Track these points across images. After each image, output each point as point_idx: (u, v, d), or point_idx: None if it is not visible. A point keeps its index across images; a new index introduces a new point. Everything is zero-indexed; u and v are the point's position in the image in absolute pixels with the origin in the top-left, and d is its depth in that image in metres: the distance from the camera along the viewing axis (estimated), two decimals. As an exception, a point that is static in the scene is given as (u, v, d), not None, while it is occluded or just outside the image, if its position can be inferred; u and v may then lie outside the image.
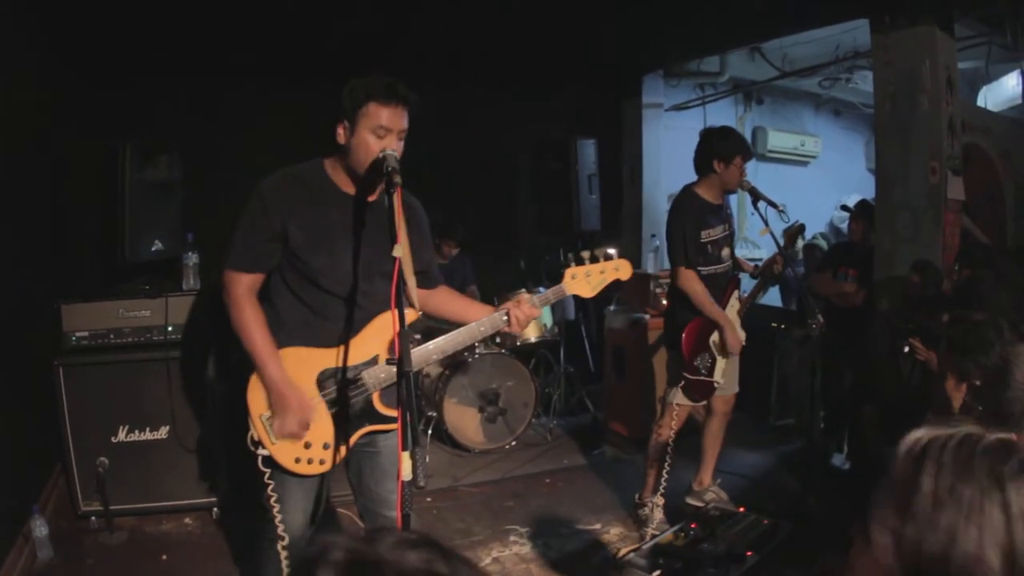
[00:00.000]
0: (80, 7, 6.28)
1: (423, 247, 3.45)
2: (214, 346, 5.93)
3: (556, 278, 3.96)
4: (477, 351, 7.75)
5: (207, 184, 7.05)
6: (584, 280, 3.84)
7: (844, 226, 10.53)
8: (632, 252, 10.08)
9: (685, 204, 5.80)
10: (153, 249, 6.45)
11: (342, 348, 3.66)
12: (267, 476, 3.65)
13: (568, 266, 3.85)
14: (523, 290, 7.63)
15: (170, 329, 6.07)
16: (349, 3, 6.86)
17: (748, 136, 10.42)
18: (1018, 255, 7.17)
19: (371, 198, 3.69)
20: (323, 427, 3.65)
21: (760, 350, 7.13)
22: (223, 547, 5.65)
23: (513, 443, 7.97)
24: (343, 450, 3.71)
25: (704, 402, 6.04)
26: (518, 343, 8.04)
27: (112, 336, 5.99)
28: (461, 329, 3.74)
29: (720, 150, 5.67)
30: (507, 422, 7.94)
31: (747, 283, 6.21)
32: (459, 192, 8.84)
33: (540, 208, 9.51)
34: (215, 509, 6.06)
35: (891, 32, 6.54)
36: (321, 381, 3.64)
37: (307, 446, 3.62)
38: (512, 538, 5.93)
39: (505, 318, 3.71)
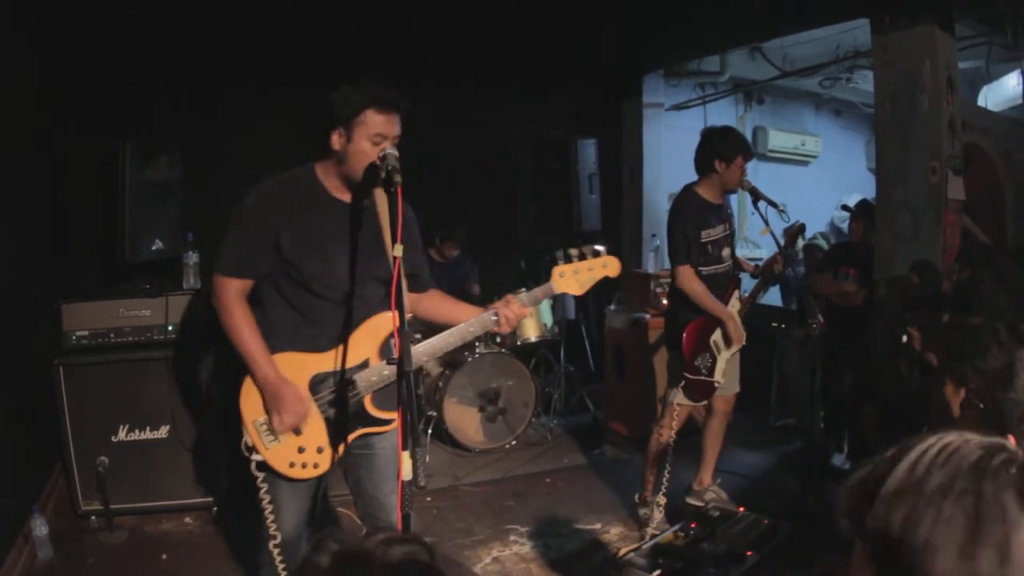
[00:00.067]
0: (80, 7, 6.28)
1: (413, 250, 3.47)
2: (212, 346, 5.94)
3: (555, 277, 3.95)
4: (477, 350, 7.76)
5: (207, 184, 7.05)
6: (573, 278, 3.84)
7: (844, 226, 10.53)
8: (632, 252, 10.10)
9: (685, 204, 5.80)
10: (153, 248, 6.46)
11: (333, 352, 3.68)
12: (260, 480, 3.68)
13: (557, 264, 3.85)
14: (523, 290, 7.63)
15: (170, 328, 6.08)
16: (349, 3, 6.86)
17: (748, 136, 10.42)
18: (1018, 255, 7.17)
19: (361, 202, 3.70)
20: (316, 431, 3.67)
21: (760, 350, 7.13)
22: (223, 547, 5.65)
23: (513, 443, 7.97)
24: (337, 453, 3.73)
25: (704, 402, 6.04)
26: (518, 342, 8.05)
27: (112, 335, 5.99)
28: (451, 330, 3.75)
29: (721, 150, 5.67)
30: (507, 422, 7.94)
31: (747, 283, 6.21)
32: (459, 192, 8.85)
33: (540, 208, 9.51)
34: (215, 508, 6.06)
35: (891, 32, 6.54)
36: (313, 385, 3.66)
37: (301, 450, 3.65)
38: (512, 537, 5.93)
39: (494, 318, 3.72)
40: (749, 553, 5.19)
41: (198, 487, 6.09)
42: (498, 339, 8.00)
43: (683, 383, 5.73)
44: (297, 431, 3.61)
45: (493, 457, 7.75)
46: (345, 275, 3.65)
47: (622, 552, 5.34)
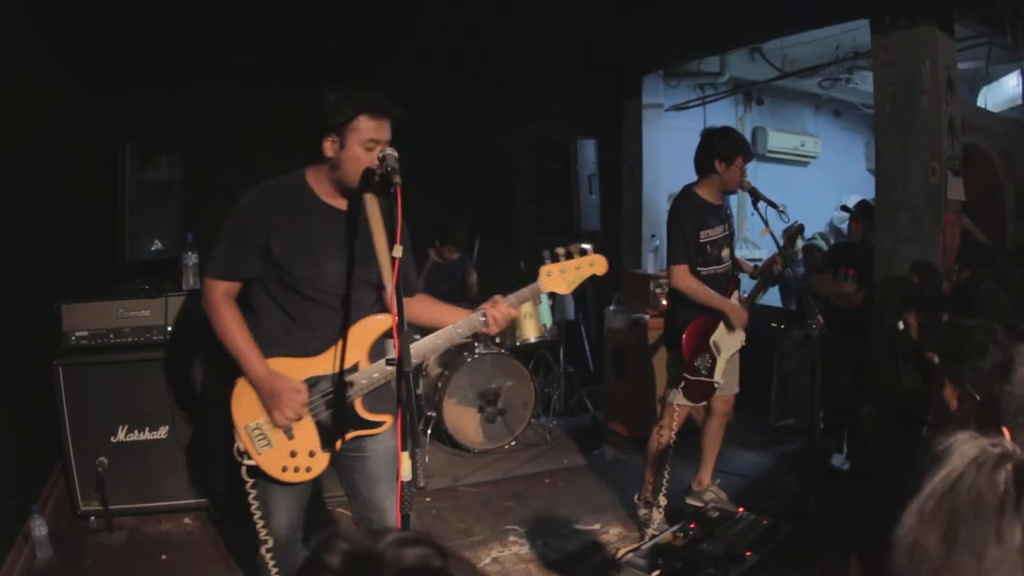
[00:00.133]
0: (80, 7, 6.28)
1: (403, 255, 3.48)
2: (211, 346, 5.95)
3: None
4: (477, 351, 7.76)
5: (207, 184, 7.04)
6: (560, 277, 3.85)
7: (844, 226, 10.53)
8: (632, 252, 10.11)
9: (685, 204, 5.80)
10: (153, 249, 6.46)
11: (324, 356, 3.71)
12: (251, 485, 3.72)
13: (544, 263, 3.85)
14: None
15: (170, 329, 6.08)
16: (349, 3, 6.86)
17: (748, 136, 10.39)
18: (1018, 255, 7.17)
19: (350, 208, 3.75)
20: (308, 435, 3.69)
21: (760, 350, 7.14)
22: (222, 547, 5.65)
23: (513, 443, 7.98)
24: (329, 457, 3.76)
25: (704, 403, 6.04)
26: (518, 343, 8.05)
27: (112, 336, 5.99)
28: (439, 332, 3.78)
29: (721, 150, 5.68)
30: (507, 422, 7.94)
31: (747, 283, 6.22)
32: (459, 192, 8.85)
33: (540, 208, 9.51)
34: (214, 509, 6.06)
35: (891, 32, 6.54)
36: None
37: (293, 455, 3.68)
38: (512, 538, 5.93)
39: (483, 319, 3.74)
40: (748, 553, 5.19)
41: (197, 487, 6.09)
42: (497, 339, 8.01)
43: (683, 384, 5.73)
44: (289, 435, 3.64)
45: (492, 458, 7.75)
46: (336, 279, 3.69)
47: (621, 552, 5.34)
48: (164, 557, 5.55)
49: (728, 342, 5.84)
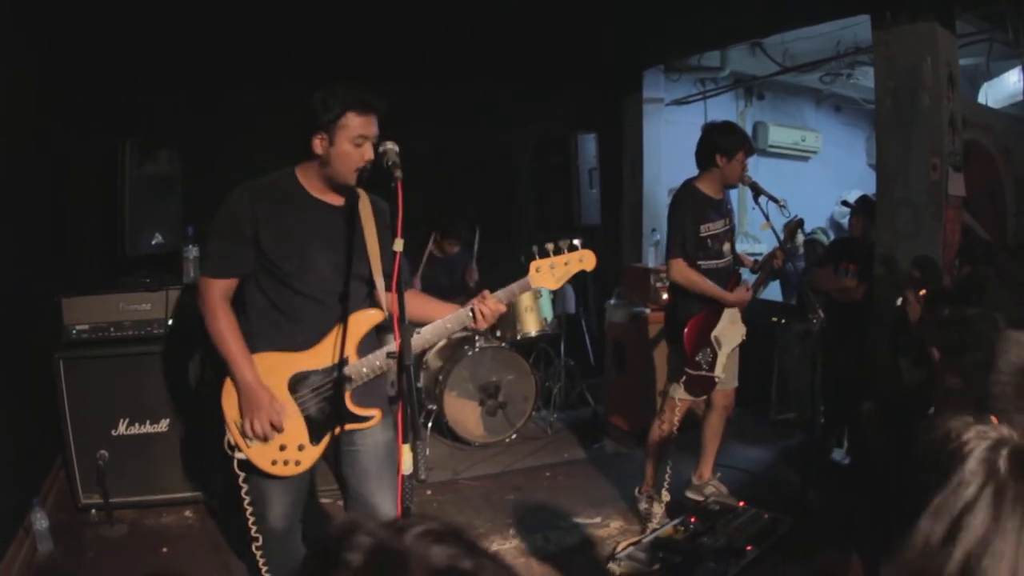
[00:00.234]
0: (80, 7, 6.29)
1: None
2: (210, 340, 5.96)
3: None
4: (478, 344, 7.77)
5: (207, 178, 7.04)
6: (549, 272, 3.86)
7: (844, 221, 10.53)
8: (633, 246, 10.11)
9: (685, 198, 5.80)
10: (153, 243, 6.47)
11: (314, 350, 3.74)
12: (243, 479, 3.76)
13: (533, 259, 3.86)
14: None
15: (170, 323, 6.08)
16: (350, 2, 6.86)
17: (749, 131, 10.43)
18: (1018, 251, 7.17)
19: (341, 203, 3.80)
20: (297, 429, 3.72)
21: (761, 345, 7.14)
22: (223, 540, 5.66)
23: (513, 436, 7.99)
24: (318, 451, 3.80)
25: (704, 397, 6.04)
26: (519, 337, 8.06)
27: (112, 329, 6.00)
28: (428, 327, 3.80)
29: (723, 145, 5.68)
30: (507, 415, 7.96)
31: (747, 278, 6.22)
32: (460, 187, 8.85)
33: (541, 203, 9.52)
34: (214, 502, 6.07)
35: (892, 28, 6.54)
36: (293, 384, 3.73)
37: (282, 448, 3.71)
38: (512, 531, 5.94)
39: (470, 315, 3.76)
40: (749, 547, 5.21)
41: (198, 481, 6.10)
42: (498, 333, 8.02)
43: (684, 378, 5.73)
44: (278, 429, 3.66)
45: (493, 451, 7.76)
46: (325, 274, 3.74)
47: (622, 546, 5.36)
48: (165, 550, 5.56)
49: (729, 336, 5.84)
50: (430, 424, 7.86)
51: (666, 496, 5.79)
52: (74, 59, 6.94)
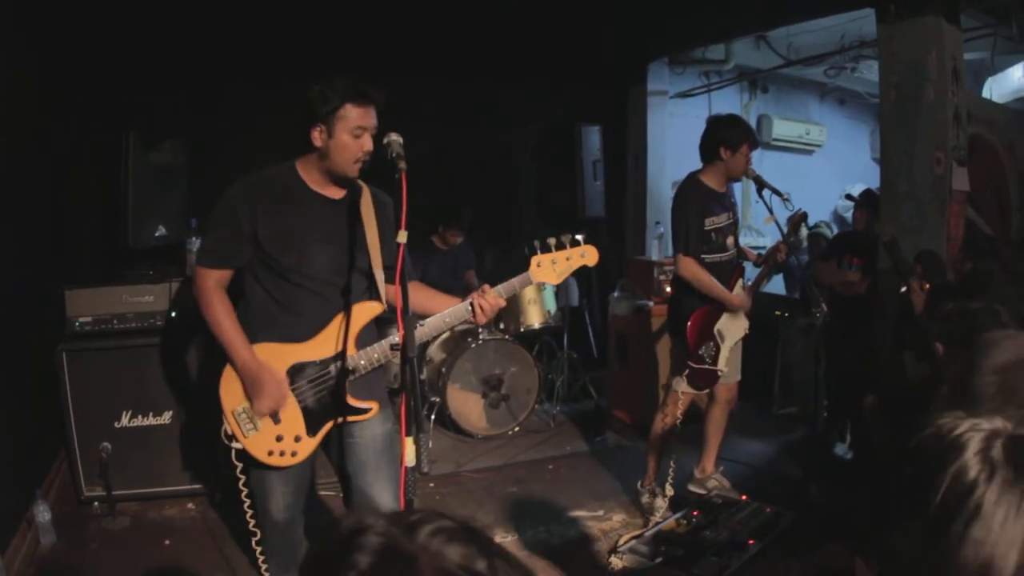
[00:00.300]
0: (81, 6, 6.30)
1: (394, 242, 3.50)
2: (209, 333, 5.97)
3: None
4: (481, 336, 7.77)
5: (210, 170, 7.05)
6: (550, 267, 3.86)
7: (848, 215, 10.51)
8: (636, 239, 10.10)
9: (689, 192, 5.80)
10: (156, 235, 6.48)
11: (312, 342, 3.76)
12: (240, 470, 3.78)
13: (535, 253, 3.87)
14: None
15: (173, 315, 6.08)
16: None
17: (753, 124, 10.39)
18: (1022, 246, 7.16)
19: (341, 196, 3.82)
20: (294, 420, 3.75)
21: (764, 338, 7.14)
22: (225, 532, 5.66)
23: (516, 429, 7.99)
24: (315, 442, 3.82)
25: (707, 390, 6.04)
26: (522, 329, 8.06)
27: (116, 321, 6.00)
28: (428, 320, 3.81)
29: (727, 138, 5.67)
30: (510, 408, 7.96)
31: (751, 271, 6.22)
32: (463, 182, 8.84)
33: (545, 195, 9.55)
34: (218, 494, 6.07)
35: (897, 22, 6.52)
36: (291, 375, 3.75)
37: (279, 439, 3.73)
38: (514, 524, 5.94)
39: (469, 308, 3.78)
40: (751, 541, 5.21)
41: (201, 473, 6.10)
42: (501, 325, 8.02)
43: (686, 371, 5.73)
44: (275, 420, 3.70)
45: (496, 443, 7.76)
46: (325, 268, 3.76)
47: (624, 539, 5.36)
48: (167, 542, 5.56)
49: (732, 330, 5.84)
50: (433, 416, 7.86)
51: (669, 491, 5.80)
52: (75, 58, 6.94)
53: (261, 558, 3.98)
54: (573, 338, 8.95)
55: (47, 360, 5.79)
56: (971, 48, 7.60)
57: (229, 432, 3.71)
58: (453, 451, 7.53)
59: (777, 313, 8.38)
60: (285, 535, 4.04)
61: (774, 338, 8.36)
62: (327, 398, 3.76)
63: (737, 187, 6.56)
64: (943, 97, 6.32)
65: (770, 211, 5.67)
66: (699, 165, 5.88)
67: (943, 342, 3.93)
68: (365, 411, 3.81)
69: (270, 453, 3.72)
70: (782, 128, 11.27)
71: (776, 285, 9.70)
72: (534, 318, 8.08)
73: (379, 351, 3.73)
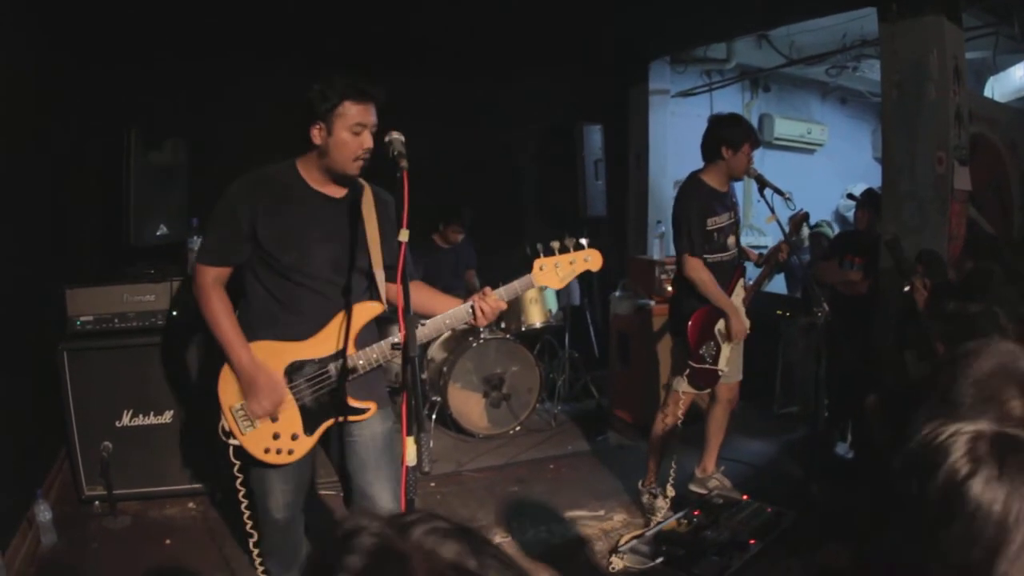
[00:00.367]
0: (81, 6, 6.32)
1: (394, 241, 3.49)
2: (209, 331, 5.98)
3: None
4: (482, 336, 7.77)
5: (212, 169, 7.04)
6: (553, 271, 3.83)
7: (850, 215, 10.52)
8: (637, 238, 10.10)
9: (691, 191, 5.79)
10: (158, 234, 6.47)
11: (311, 341, 3.76)
12: (237, 468, 3.79)
13: (538, 256, 3.84)
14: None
15: (174, 314, 6.08)
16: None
17: (754, 123, 10.39)
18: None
19: (342, 195, 3.81)
20: (291, 418, 3.75)
21: (765, 338, 7.14)
22: (226, 531, 5.66)
23: (517, 428, 7.99)
24: (312, 441, 3.83)
25: (708, 390, 6.04)
26: (523, 328, 8.06)
27: (117, 320, 6.00)
28: (428, 321, 3.80)
29: (729, 137, 5.67)
30: (511, 407, 7.96)
31: (752, 271, 6.22)
32: (464, 181, 8.82)
33: (546, 194, 9.54)
34: (218, 493, 6.07)
35: (898, 21, 6.52)
36: (289, 373, 3.75)
37: (276, 437, 3.74)
38: (515, 524, 5.93)
39: (471, 311, 3.76)
40: (752, 541, 5.21)
41: (201, 472, 6.09)
42: (502, 324, 8.02)
43: (687, 371, 5.72)
44: (273, 418, 3.70)
45: (497, 443, 7.76)
46: (325, 265, 3.76)
47: (625, 539, 5.36)
48: (168, 541, 5.56)
49: (733, 330, 5.85)
50: (434, 416, 7.86)
51: (671, 491, 5.79)
52: (75, 57, 6.93)
53: (259, 559, 3.99)
54: (574, 337, 8.96)
55: (48, 359, 5.79)
56: (973, 47, 7.60)
57: (227, 429, 3.72)
58: (454, 450, 7.53)
59: (779, 312, 8.38)
60: (285, 534, 4.05)
61: (775, 337, 8.36)
62: (325, 397, 3.76)
63: (739, 186, 6.55)
64: (945, 96, 6.32)
65: (772, 210, 5.67)
66: (701, 164, 5.88)
67: (944, 342, 3.93)
68: (363, 411, 3.81)
69: (267, 451, 3.72)
70: (784, 127, 11.28)
71: (778, 284, 9.71)
72: (535, 317, 8.09)
73: (378, 351, 3.73)
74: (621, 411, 8.28)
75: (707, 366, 5.74)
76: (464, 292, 8.07)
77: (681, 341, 5.81)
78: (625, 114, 10.34)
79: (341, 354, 3.73)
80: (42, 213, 6.19)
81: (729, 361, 5.85)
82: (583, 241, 3.84)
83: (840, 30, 8.59)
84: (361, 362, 3.71)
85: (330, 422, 3.81)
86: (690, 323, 5.67)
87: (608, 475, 6.94)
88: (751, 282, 6.08)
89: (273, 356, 3.71)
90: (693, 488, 6.25)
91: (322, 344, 3.74)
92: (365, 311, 3.80)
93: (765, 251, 6.38)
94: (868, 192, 8.03)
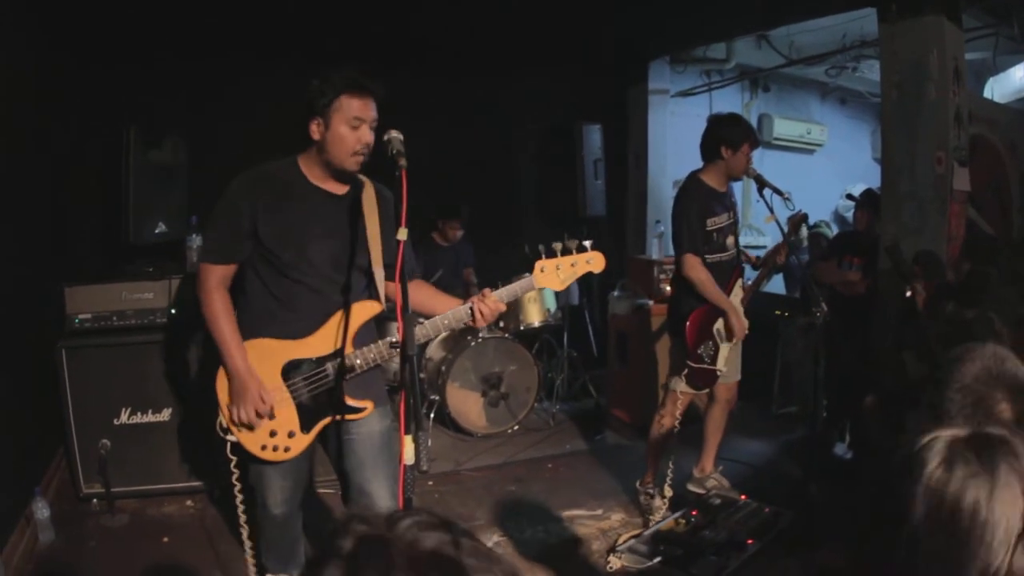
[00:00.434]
0: (81, 6, 6.33)
1: (394, 240, 3.48)
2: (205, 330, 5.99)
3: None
4: (480, 335, 7.77)
5: (211, 167, 7.04)
6: (554, 273, 3.80)
7: (849, 215, 10.52)
8: (636, 238, 10.10)
9: (691, 191, 5.80)
10: (157, 232, 6.47)
11: (309, 339, 3.76)
12: (234, 464, 3.79)
13: (539, 257, 3.81)
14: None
15: (173, 311, 6.07)
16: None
17: (754, 123, 10.40)
18: (1023, 246, 7.16)
19: (343, 192, 3.81)
20: (288, 416, 3.76)
21: (764, 338, 7.14)
22: (224, 529, 5.66)
23: (515, 428, 8.00)
24: (308, 439, 3.83)
25: (706, 390, 6.04)
26: (522, 327, 8.06)
27: (115, 318, 6.00)
28: (427, 322, 3.79)
29: (728, 137, 5.67)
30: (509, 406, 7.96)
31: (750, 271, 6.22)
32: (464, 177, 8.82)
33: (545, 194, 9.54)
34: (216, 491, 6.07)
35: (898, 21, 6.52)
36: (287, 371, 3.75)
37: (272, 434, 3.74)
38: (513, 523, 5.93)
39: (469, 313, 3.75)
40: (750, 541, 5.21)
41: (199, 470, 6.09)
42: (501, 324, 8.02)
43: (686, 371, 5.73)
44: (270, 415, 3.70)
45: (495, 442, 7.76)
46: (324, 263, 3.76)
47: (623, 539, 5.36)
48: (166, 539, 5.56)
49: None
50: (432, 415, 7.85)
51: (668, 491, 5.79)
52: (75, 57, 6.93)
53: (249, 553, 4.00)
54: (573, 337, 8.96)
55: (46, 357, 5.79)
56: (973, 48, 7.60)
57: (224, 425, 3.73)
58: (452, 449, 7.53)
59: (777, 313, 8.38)
60: (283, 529, 4.06)
61: (774, 338, 8.36)
62: (322, 396, 3.76)
63: (738, 186, 6.56)
64: (944, 97, 6.32)
65: (771, 210, 5.67)
66: (700, 164, 5.88)
67: (940, 345, 3.94)
68: (360, 410, 3.81)
69: (263, 447, 3.73)
70: (783, 127, 11.27)
71: (776, 285, 9.70)
72: (534, 316, 8.08)
73: (376, 351, 3.73)
74: (619, 411, 8.28)
75: (705, 366, 5.74)
76: (462, 291, 8.07)
77: (679, 341, 5.81)
78: (624, 114, 10.34)
79: (339, 353, 3.73)
80: (42, 213, 6.19)
81: (727, 361, 5.85)
82: (586, 243, 3.82)
83: (840, 30, 8.59)
84: (359, 361, 3.71)
85: (327, 420, 3.81)
86: (688, 323, 5.68)
87: (606, 474, 6.94)
88: (750, 282, 6.08)
89: (271, 354, 3.71)
90: (691, 488, 6.26)
91: (320, 343, 3.74)
92: (363, 310, 3.80)
93: (762, 254, 6.37)
94: (867, 192, 8.04)
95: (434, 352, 8.05)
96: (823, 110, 12.20)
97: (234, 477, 3.80)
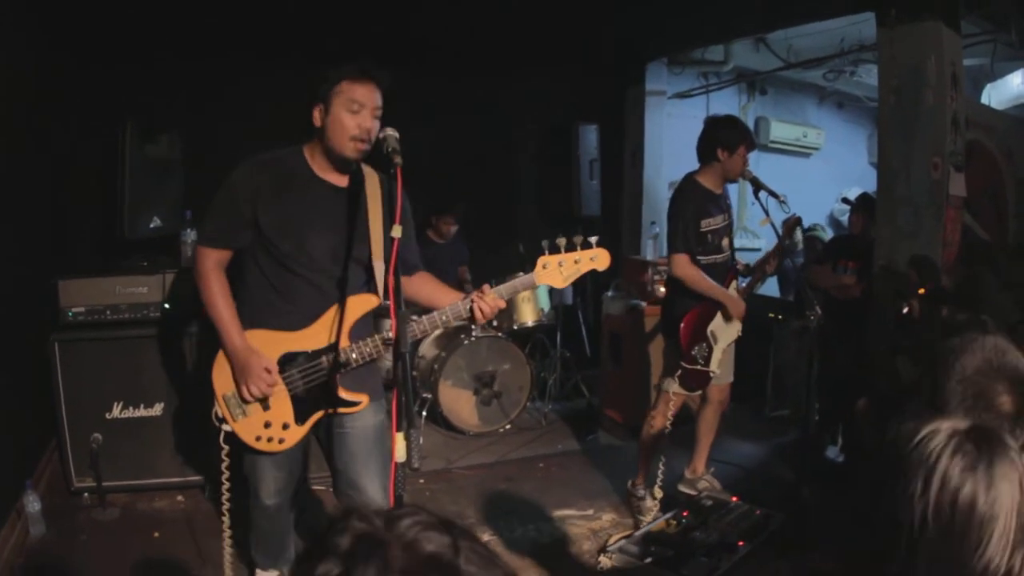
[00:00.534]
0: (81, 6, 6.33)
1: (405, 235, 3.47)
2: (207, 323, 5.97)
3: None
4: (474, 333, 7.77)
5: (207, 161, 7.03)
6: (556, 270, 3.75)
7: (844, 219, 10.52)
8: (632, 238, 10.09)
9: (687, 192, 5.80)
10: (152, 226, 6.46)
11: (306, 331, 3.77)
12: (226, 452, 3.81)
13: (544, 253, 3.77)
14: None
15: (167, 306, 6.06)
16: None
17: (751, 126, 10.40)
18: (1018, 252, 7.16)
19: (346, 183, 3.81)
20: (283, 407, 3.77)
21: (757, 341, 7.14)
22: (215, 524, 5.64)
23: (507, 427, 8.00)
24: (302, 431, 3.84)
25: (699, 391, 6.04)
26: (515, 326, 8.06)
27: (109, 312, 5.98)
28: (425, 317, 3.76)
29: (724, 138, 5.67)
30: (502, 405, 7.96)
31: (740, 279, 6.22)
32: (462, 176, 8.83)
33: (542, 193, 9.54)
34: (207, 487, 6.06)
35: (897, 26, 6.52)
36: (283, 363, 3.76)
37: (267, 425, 3.76)
38: (504, 522, 5.93)
39: (469, 309, 3.72)
40: (741, 543, 5.20)
41: (191, 465, 6.08)
42: (494, 323, 8.01)
43: (679, 372, 5.72)
44: (264, 406, 3.73)
45: (487, 441, 7.76)
46: (323, 256, 3.76)
47: (614, 539, 5.35)
48: (157, 534, 5.55)
49: (725, 332, 5.84)
50: (424, 413, 7.84)
51: (660, 492, 5.78)
52: (75, 57, 6.92)
53: (229, 550, 4.04)
54: (566, 336, 8.97)
55: (39, 350, 5.78)
56: (971, 54, 7.61)
57: (219, 415, 3.74)
58: (444, 448, 7.53)
59: (771, 315, 8.39)
60: (273, 521, 4.07)
61: (768, 340, 8.37)
62: (317, 388, 3.76)
63: (733, 188, 6.55)
64: (942, 102, 6.32)
65: (766, 213, 5.67)
66: (696, 165, 5.88)
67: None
68: (355, 403, 3.81)
69: (258, 438, 3.75)
70: (780, 130, 11.27)
71: (771, 287, 9.71)
72: (527, 316, 8.09)
73: (371, 345, 3.72)
74: (612, 411, 8.28)
75: (699, 367, 5.73)
76: (456, 288, 8.07)
77: (673, 342, 5.81)
78: (621, 114, 10.34)
79: (334, 347, 3.73)
80: (42, 213, 6.20)
81: (721, 363, 5.84)
82: (592, 239, 3.79)
83: (838, 34, 8.58)
84: (354, 355, 3.70)
85: (321, 413, 3.82)
86: (682, 324, 5.68)
87: (597, 475, 6.95)
88: (744, 285, 6.08)
89: (267, 346, 3.71)
90: (682, 489, 6.26)
91: (316, 336, 3.75)
92: (361, 304, 3.79)
93: (753, 263, 6.37)
94: (863, 196, 8.04)
95: (427, 350, 8.04)
96: (820, 114, 12.20)
97: (224, 466, 3.80)
